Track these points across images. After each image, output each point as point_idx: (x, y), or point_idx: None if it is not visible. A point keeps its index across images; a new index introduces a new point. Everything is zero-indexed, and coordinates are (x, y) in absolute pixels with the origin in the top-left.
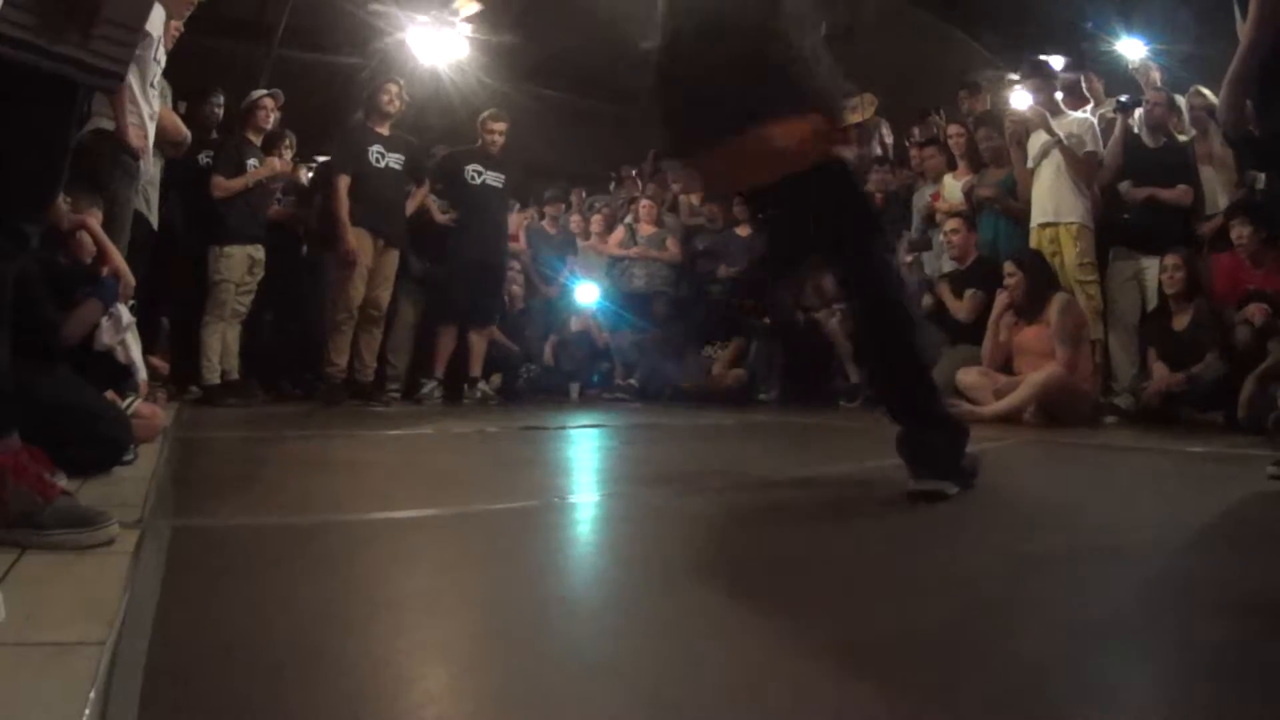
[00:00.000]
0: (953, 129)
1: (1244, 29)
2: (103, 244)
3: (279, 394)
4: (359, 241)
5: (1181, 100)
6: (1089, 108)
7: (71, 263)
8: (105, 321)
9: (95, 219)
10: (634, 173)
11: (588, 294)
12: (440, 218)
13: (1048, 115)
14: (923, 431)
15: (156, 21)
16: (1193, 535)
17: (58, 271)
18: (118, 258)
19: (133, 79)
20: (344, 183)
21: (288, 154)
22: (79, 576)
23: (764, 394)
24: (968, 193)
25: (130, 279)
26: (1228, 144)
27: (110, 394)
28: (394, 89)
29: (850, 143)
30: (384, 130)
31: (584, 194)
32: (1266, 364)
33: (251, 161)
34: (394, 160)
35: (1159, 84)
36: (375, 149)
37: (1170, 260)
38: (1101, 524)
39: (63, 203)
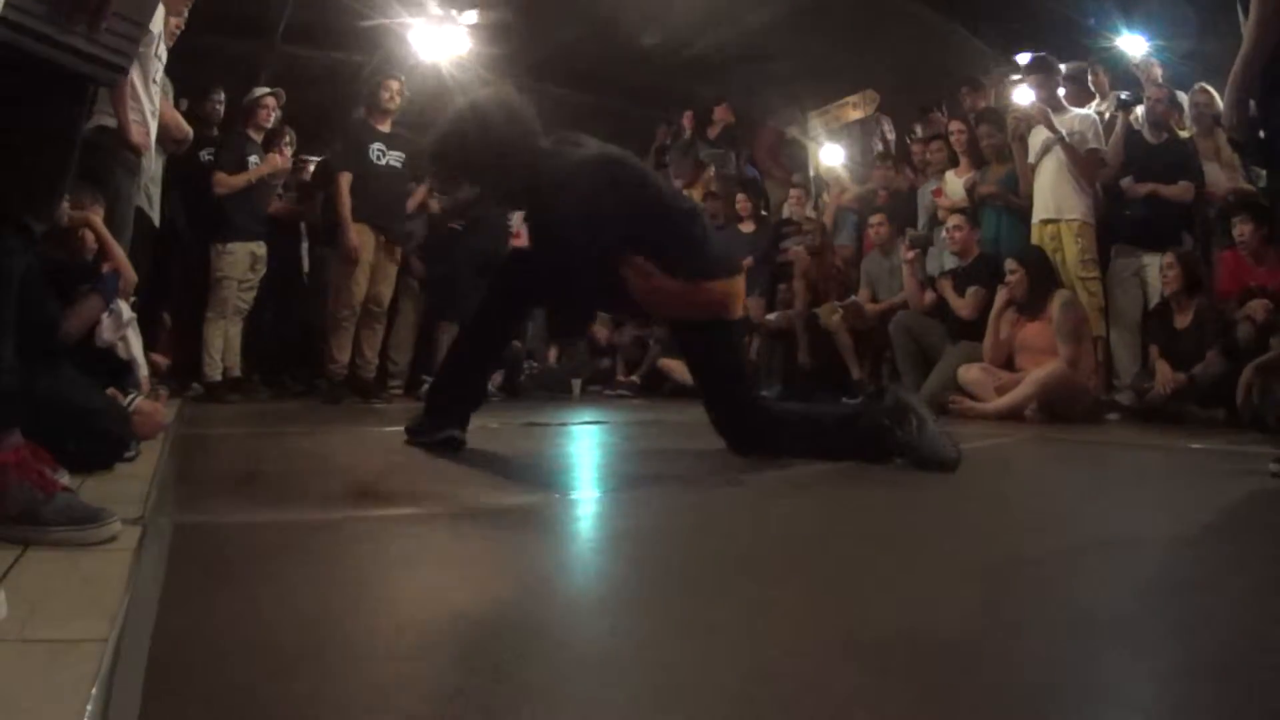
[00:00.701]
0: (954, 125)
1: (1247, 28)
2: (105, 240)
3: (281, 391)
4: (361, 238)
5: (1184, 97)
6: (1093, 104)
7: (72, 259)
8: (106, 318)
9: (97, 215)
10: None
11: None
12: (446, 221)
13: (1049, 112)
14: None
15: (157, 18)
16: (1195, 532)
17: (59, 268)
18: (120, 254)
19: (135, 76)
20: (346, 180)
21: (288, 150)
22: (81, 573)
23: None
24: (970, 189)
25: (132, 275)
26: (1231, 145)
27: (112, 391)
28: (394, 85)
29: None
30: (385, 128)
31: None
32: (1269, 356)
33: (253, 158)
34: (395, 158)
35: (1160, 80)
36: (376, 146)
37: (1165, 259)
38: (1103, 521)
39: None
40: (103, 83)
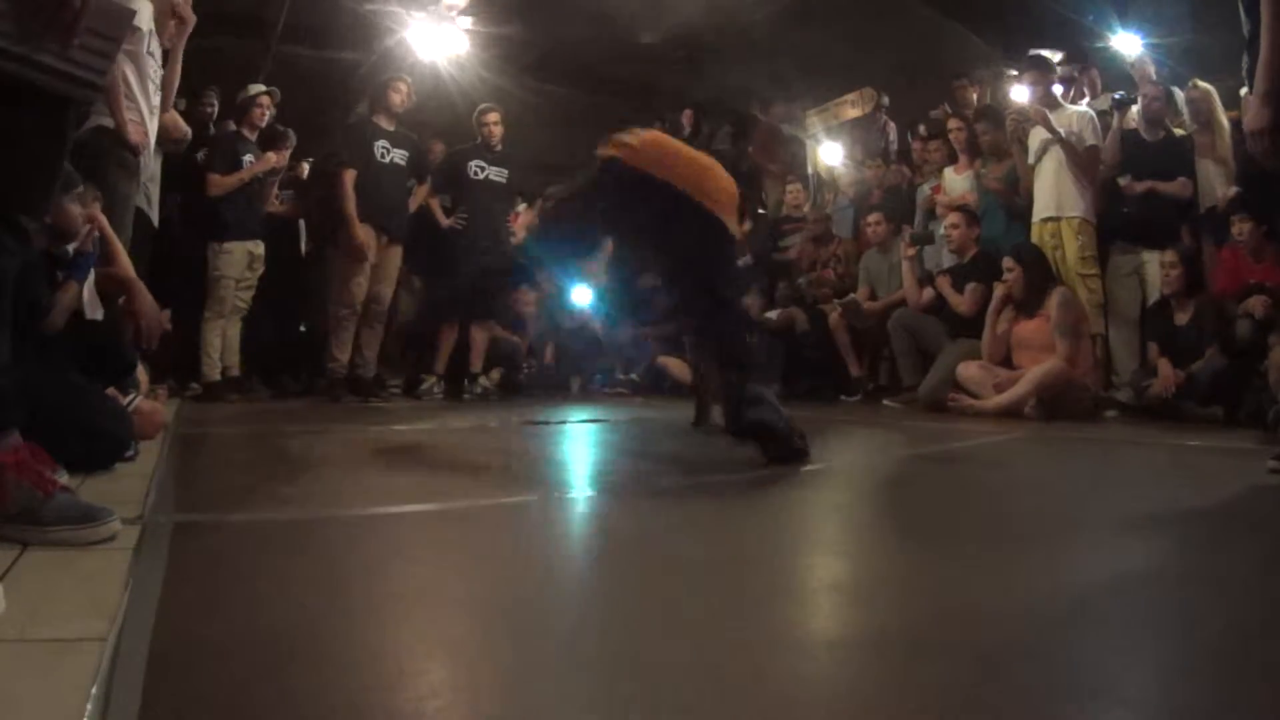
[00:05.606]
0: (952, 123)
1: (1265, 32)
2: (108, 238)
3: (280, 390)
4: (364, 237)
5: (1179, 94)
6: (1085, 101)
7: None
8: (86, 296)
9: (97, 210)
10: None
11: (582, 296)
12: (445, 222)
13: (1047, 113)
14: None
15: (145, 15)
16: (1193, 529)
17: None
18: (122, 252)
19: (131, 75)
20: (350, 177)
21: (287, 153)
22: (81, 573)
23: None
24: (974, 182)
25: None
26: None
27: (112, 391)
28: (404, 88)
29: None
30: (389, 126)
31: None
32: None
33: (247, 157)
34: (399, 156)
35: (1155, 78)
36: (381, 144)
37: (1168, 258)
38: (1101, 518)
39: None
40: (78, 99)
